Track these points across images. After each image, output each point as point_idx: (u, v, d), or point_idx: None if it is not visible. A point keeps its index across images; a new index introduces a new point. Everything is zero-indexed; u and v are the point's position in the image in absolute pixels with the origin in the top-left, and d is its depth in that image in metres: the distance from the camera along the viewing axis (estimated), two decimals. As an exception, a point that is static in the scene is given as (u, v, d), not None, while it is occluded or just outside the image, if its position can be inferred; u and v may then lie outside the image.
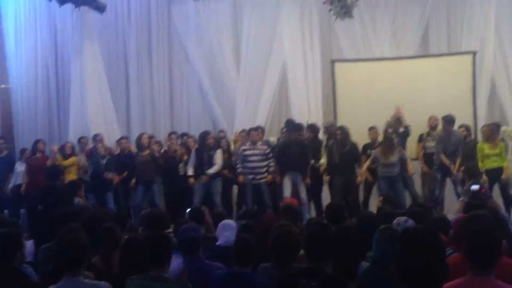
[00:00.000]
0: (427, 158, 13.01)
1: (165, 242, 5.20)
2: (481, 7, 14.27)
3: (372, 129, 13.05)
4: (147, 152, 13.12)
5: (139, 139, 13.41)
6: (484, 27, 14.28)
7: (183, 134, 14.31)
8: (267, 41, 15.15)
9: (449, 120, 12.43)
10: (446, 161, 12.36)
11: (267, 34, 15.14)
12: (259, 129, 13.42)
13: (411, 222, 6.11)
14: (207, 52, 15.51)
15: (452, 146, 12.44)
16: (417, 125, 13.20)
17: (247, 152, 12.70)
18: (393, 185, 12.14)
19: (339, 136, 12.52)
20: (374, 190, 12.73)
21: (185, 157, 13.19)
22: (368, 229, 5.99)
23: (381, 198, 10.25)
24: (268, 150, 12.80)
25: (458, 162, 12.33)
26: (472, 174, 10.52)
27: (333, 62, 14.66)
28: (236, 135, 14.10)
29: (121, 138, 13.98)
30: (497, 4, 14.21)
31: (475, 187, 6.18)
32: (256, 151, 12.72)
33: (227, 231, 7.20)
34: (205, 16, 15.39)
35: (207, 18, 15.38)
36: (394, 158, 12.14)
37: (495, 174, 12.22)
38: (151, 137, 13.67)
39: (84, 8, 14.36)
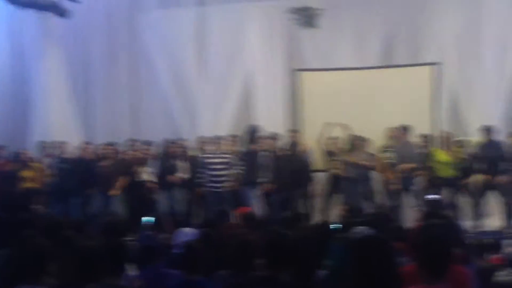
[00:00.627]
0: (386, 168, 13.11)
1: (121, 250, 5.16)
2: (443, 19, 14.40)
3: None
4: (108, 161, 13.04)
5: (100, 148, 13.34)
6: (446, 39, 14.41)
7: (145, 142, 14.20)
8: (231, 49, 15.20)
9: (404, 129, 12.55)
10: (405, 167, 12.46)
11: (232, 42, 15.19)
12: (230, 138, 13.43)
13: (369, 231, 6.14)
14: (171, 59, 15.48)
15: (408, 156, 12.56)
16: (379, 135, 13.26)
17: (209, 160, 12.68)
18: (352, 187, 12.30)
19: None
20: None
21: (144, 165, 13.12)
22: (327, 237, 6.03)
23: (343, 206, 10.35)
24: (232, 159, 12.79)
25: (415, 172, 12.49)
26: (431, 183, 10.64)
27: (296, 71, 14.73)
28: (199, 142, 14.05)
29: (84, 143, 13.88)
30: (459, 16, 14.35)
31: (432, 196, 6.24)
32: (218, 160, 12.70)
33: (184, 238, 7.18)
34: (170, 23, 15.39)
35: (172, 26, 15.39)
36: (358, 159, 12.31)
37: (453, 183, 12.42)
38: (112, 146, 13.59)
39: (48, 13, 14.24)
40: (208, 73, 15.26)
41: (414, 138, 12.98)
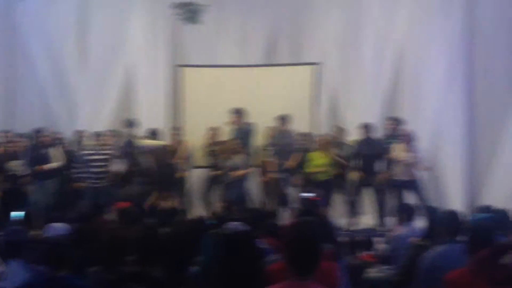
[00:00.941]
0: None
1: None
2: (324, 20, 14.70)
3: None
4: None
5: None
6: (326, 39, 14.71)
7: (18, 134, 13.76)
8: (113, 42, 14.97)
9: (283, 119, 12.70)
10: (289, 164, 12.64)
11: (114, 35, 14.96)
12: (109, 132, 13.21)
13: (242, 227, 6.18)
14: (51, 50, 15.02)
15: (287, 146, 12.76)
16: (260, 133, 13.40)
17: (90, 157, 12.45)
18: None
19: None
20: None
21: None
22: (201, 233, 6.03)
23: (221, 203, 10.41)
24: (111, 154, 12.63)
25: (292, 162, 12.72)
26: (307, 181, 10.83)
27: (179, 67, 14.68)
28: (78, 136, 13.73)
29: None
30: (339, 17, 14.66)
31: (306, 194, 6.35)
32: (98, 156, 12.50)
33: (54, 233, 7.03)
34: (50, 13, 14.95)
35: (52, 15, 14.95)
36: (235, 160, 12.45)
37: (329, 183, 12.71)
38: None
39: None
40: (89, 64, 14.95)
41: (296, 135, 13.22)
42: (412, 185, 12.38)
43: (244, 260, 3.48)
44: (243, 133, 13.17)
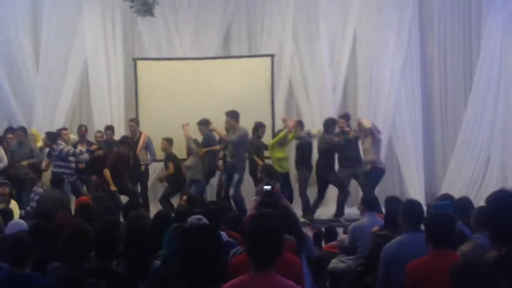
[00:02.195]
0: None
1: None
2: (279, 11, 14.71)
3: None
4: None
5: None
6: (282, 31, 14.71)
7: None
8: (68, 35, 14.81)
9: (231, 115, 12.70)
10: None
11: (68, 28, 14.81)
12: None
13: (204, 221, 6.17)
14: (4, 44, 14.70)
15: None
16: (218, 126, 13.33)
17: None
18: None
19: None
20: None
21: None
22: (163, 227, 6.02)
23: (184, 197, 10.42)
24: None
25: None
26: (269, 173, 10.87)
27: (135, 60, 14.61)
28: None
29: None
30: (295, 9, 14.70)
31: (267, 187, 6.37)
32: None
33: (14, 230, 6.95)
34: (2, 6, 14.67)
35: (4, 9, 14.66)
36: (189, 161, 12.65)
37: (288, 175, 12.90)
38: None
39: None
40: (43, 59, 14.72)
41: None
42: (370, 174, 12.49)
43: (205, 253, 3.46)
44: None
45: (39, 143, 13.30)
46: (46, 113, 14.62)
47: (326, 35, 14.63)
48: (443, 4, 14.75)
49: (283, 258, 4.14)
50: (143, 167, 13.23)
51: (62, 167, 12.26)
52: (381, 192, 12.06)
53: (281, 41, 14.73)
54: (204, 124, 12.81)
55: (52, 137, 12.52)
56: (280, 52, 14.59)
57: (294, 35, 14.74)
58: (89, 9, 14.75)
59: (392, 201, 7.99)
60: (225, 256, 3.89)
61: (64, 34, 14.77)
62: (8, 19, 14.68)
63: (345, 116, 13.13)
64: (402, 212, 6.02)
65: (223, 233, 6.30)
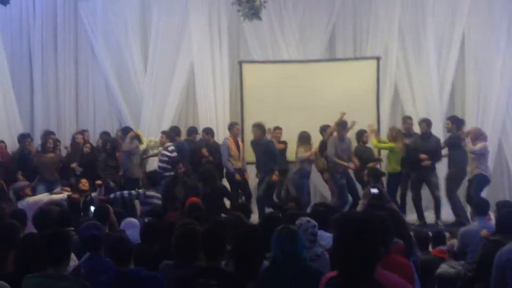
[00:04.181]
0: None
1: (63, 240, 5.07)
2: (385, 14, 14.52)
3: None
4: (51, 154, 13.14)
5: (44, 141, 13.34)
6: (388, 33, 14.52)
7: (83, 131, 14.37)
8: (175, 40, 15.05)
9: (342, 125, 12.66)
10: (340, 162, 12.59)
11: (176, 33, 15.04)
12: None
13: (313, 223, 6.18)
14: (114, 49, 15.26)
15: (345, 151, 12.69)
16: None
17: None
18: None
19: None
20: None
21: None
22: (272, 228, 6.04)
23: (291, 199, 10.49)
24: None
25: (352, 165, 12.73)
26: (375, 176, 10.76)
27: (240, 63, 14.74)
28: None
29: (24, 135, 13.65)
30: (401, 11, 14.50)
31: (374, 190, 6.30)
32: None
33: (130, 229, 7.13)
34: (113, 12, 15.14)
35: (115, 15, 15.14)
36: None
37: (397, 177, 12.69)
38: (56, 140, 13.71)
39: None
40: (151, 62, 15.05)
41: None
42: (475, 180, 12.21)
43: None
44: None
45: (143, 145, 13.65)
46: (153, 115, 14.95)
47: (433, 37, 14.34)
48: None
49: (395, 261, 4.11)
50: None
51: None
52: (490, 196, 11.74)
53: (387, 43, 14.54)
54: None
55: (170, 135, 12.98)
56: (386, 54, 14.42)
57: (400, 36, 14.55)
58: (195, 14, 14.96)
59: (504, 205, 7.76)
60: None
61: (172, 38, 15.03)
62: (119, 25, 15.15)
63: (451, 118, 12.93)
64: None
65: (331, 235, 6.29)
